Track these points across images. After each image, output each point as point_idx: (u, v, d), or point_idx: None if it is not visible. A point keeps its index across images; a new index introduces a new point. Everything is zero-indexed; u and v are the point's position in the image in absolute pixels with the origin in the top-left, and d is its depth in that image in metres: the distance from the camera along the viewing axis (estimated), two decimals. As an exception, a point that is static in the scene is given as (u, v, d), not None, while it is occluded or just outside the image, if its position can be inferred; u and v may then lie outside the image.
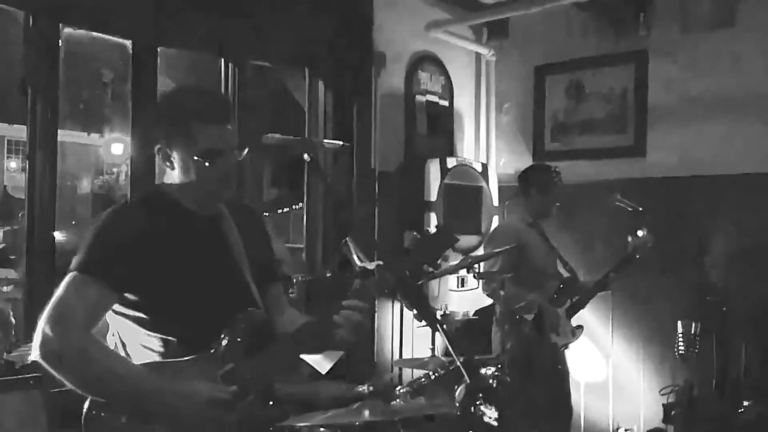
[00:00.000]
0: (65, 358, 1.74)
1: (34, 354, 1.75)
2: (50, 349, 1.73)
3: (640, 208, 4.04)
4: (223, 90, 4.24)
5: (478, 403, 2.52)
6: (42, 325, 1.75)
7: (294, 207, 6.21)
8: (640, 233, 3.91)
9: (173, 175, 1.95)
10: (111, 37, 3.95)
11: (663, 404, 4.26)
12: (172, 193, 1.97)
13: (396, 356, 4.48)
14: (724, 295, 3.98)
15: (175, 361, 1.84)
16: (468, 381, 1.61)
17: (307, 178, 4.58)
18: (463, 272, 4.88)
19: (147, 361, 1.87)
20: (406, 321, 4.50)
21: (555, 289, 3.99)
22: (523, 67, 5.46)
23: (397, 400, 2.82)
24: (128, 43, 3.86)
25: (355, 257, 1.78)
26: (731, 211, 4.27)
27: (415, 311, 1.69)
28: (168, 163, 1.93)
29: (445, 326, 1.62)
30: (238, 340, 1.86)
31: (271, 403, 1.88)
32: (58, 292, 1.81)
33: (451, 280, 4.88)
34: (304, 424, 2.50)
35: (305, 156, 1.79)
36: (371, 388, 2.59)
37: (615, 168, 4.97)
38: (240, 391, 1.82)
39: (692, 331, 4.05)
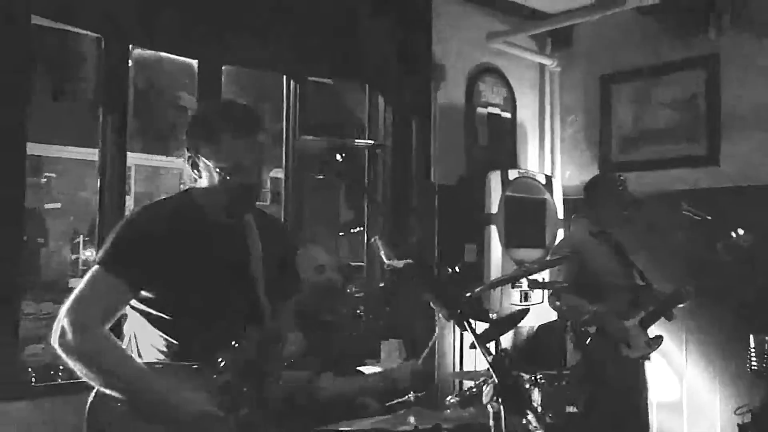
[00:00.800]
0: (77, 351, 1.86)
1: (53, 342, 1.88)
2: (66, 341, 1.86)
3: (709, 217, 3.87)
4: (285, 106, 4.36)
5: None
6: (62, 317, 1.88)
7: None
8: (734, 234, 3.69)
9: (200, 181, 2.04)
10: (179, 58, 4.14)
11: (738, 424, 4.04)
12: (198, 199, 2.05)
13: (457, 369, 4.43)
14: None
15: (180, 365, 1.94)
16: (496, 381, 1.56)
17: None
18: (525, 286, 4.85)
19: (154, 360, 1.98)
20: (467, 335, 4.44)
21: (626, 301, 3.86)
22: (588, 77, 5.35)
23: (447, 410, 2.80)
24: (194, 62, 4.02)
25: (383, 256, 1.78)
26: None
27: (440, 308, 1.68)
28: (196, 171, 2.02)
29: (472, 324, 1.58)
30: (242, 355, 1.94)
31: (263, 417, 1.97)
32: (80, 285, 1.93)
33: (514, 294, 4.79)
34: (349, 429, 2.51)
35: (337, 156, 1.81)
36: (418, 395, 2.57)
37: (686, 178, 4.79)
38: (233, 404, 1.91)
39: (766, 346, 3.82)
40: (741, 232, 3.67)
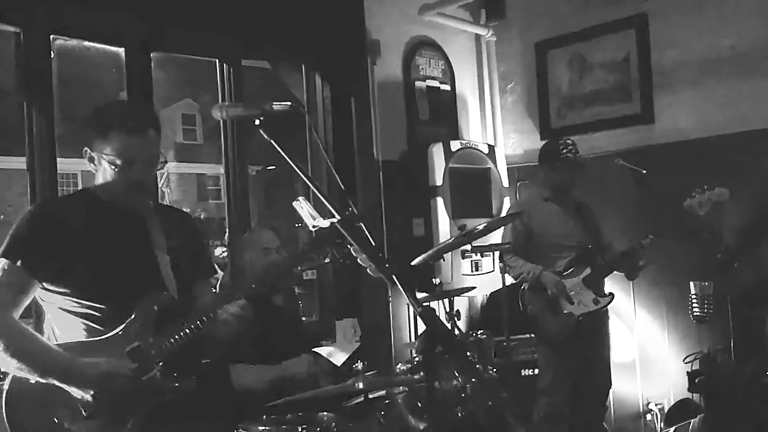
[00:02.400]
0: None
1: None
2: None
3: (644, 171, 3.95)
4: (219, 93, 4.30)
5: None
6: None
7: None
8: (705, 190, 3.75)
9: (98, 177, 2.15)
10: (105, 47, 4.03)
11: (687, 372, 4.14)
12: (95, 191, 2.17)
13: (413, 339, 4.46)
14: (735, 254, 3.85)
15: (90, 341, 2.06)
16: (426, 328, 1.56)
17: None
18: (476, 256, 4.89)
19: (70, 341, 2.07)
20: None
21: (571, 260, 3.93)
22: (524, 45, 5.39)
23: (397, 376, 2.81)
24: (121, 50, 3.92)
25: (308, 217, 1.77)
26: (742, 170, 4.14)
27: (369, 263, 1.67)
28: (92, 165, 2.14)
29: (399, 278, 1.58)
30: (144, 319, 2.06)
31: (175, 375, 2.06)
32: None
33: (465, 265, 4.82)
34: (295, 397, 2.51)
35: (255, 121, 1.79)
36: (365, 363, 2.58)
37: (624, 138, 4.87)
38: (142, 366, 2.01)
39: (707, 292, 3.94)
40: (714, 188, 3.74)
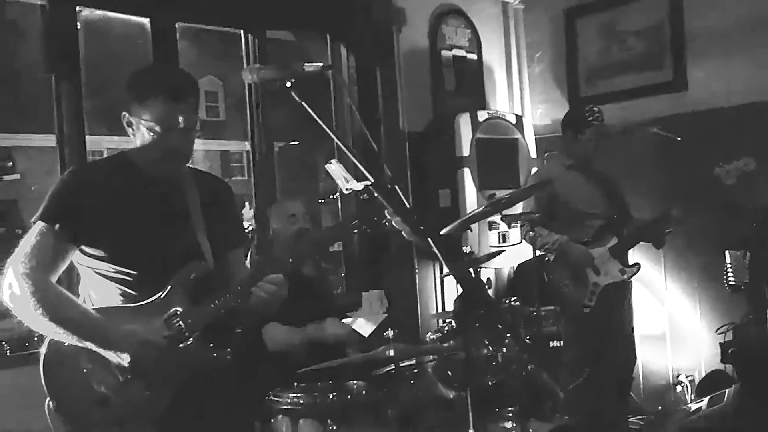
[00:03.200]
0: (24, 299, 1.95)
1: (2, 297, 1.98)
2: (12, 293, 1.97)
3: (678, 138, 3.87)
4: (244, 64, 4.28)
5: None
6: (7, 271, 1.99)
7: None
8: (736, 162, 3.68)
9: (135, 141, 2.12)
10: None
11: (720, 343, 4.08)
12: (132, 157, 2.15)
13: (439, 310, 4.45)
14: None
15: (126, 307, 2.06)
16: (464, 290, 1.52)
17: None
18: (504, 228, 4.84)
19: (106, 305, 2.07)
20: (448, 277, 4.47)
21: (597, 229, 3.88)
22: (552, 12, 5.28)
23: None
24: (146, 21, 3.90)
25: (342, 180, 1.74)
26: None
27: (404, 226, 1.64)
28: (130, 130, 2.11)
29: (434, 241, 1.55)
30: (181, 288, 2.05)
31: (211, 345, 2.06)
32: (24, 239, 2.02)
33: (492, 237, 4.78)
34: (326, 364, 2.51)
35: (287, 83, 1.76)
36: (396, 332, 2.56)
37: (655, 106, 4.77)
38: (177, 335, 2.01)
39: (743, 261, 3.87)
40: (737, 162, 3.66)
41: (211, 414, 2.14)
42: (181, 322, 2.02)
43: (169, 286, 2.06)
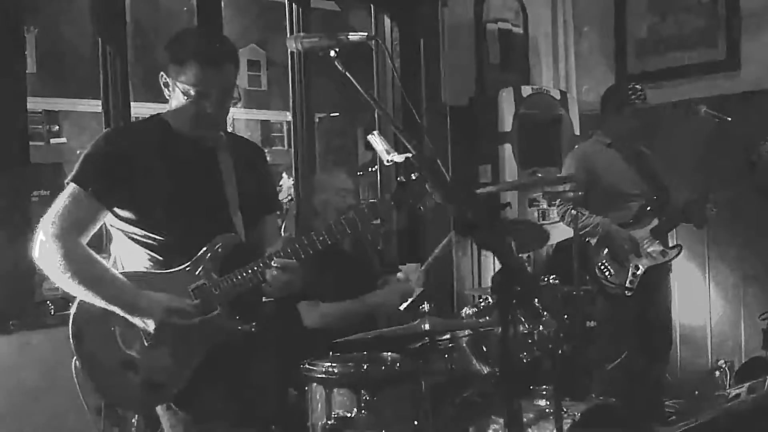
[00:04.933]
0: (54, 259, 1.98)
1: (33, 255, 2.02)
2: (43, 253, 2.00)
3: (729, 118, 3.75)
4: (288, 34, 4.27)
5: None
6: (38, 231, 2.02)
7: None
8: None
9: (172, 102, 2.12)
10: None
11: (762, 329, 3.99)
12: (167, 119, 2.14)
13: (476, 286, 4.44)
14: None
15: (155, 273, 2.08)
16: (504, 265, 1.50)
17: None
18: (544, 205, 4.78)
19: (131, 271, 2.10)
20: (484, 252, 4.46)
21: (637, 210, 3.80)
22: (602, -15, 5.14)
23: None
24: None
25: (383, 151, 1.73)
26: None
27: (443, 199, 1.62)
28: (167, 91, 2.11)
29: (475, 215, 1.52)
30: (210, 259, 2.06)
31: (237, 318, 2.07)
32: (56, 200, 2.05)
33: (532, 214, 4.73)
34: (360, 335, 2.52)
35: (331, 52, 1.74)
36: (431, 305, 2.56)
37: (706, 85, 4.63)
38: (204, 305, 2.02)
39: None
40: None
41: (241, 382, 2.16)
42: (208, 292, 2.04)
43: (198, 256, 2.06)
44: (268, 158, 2.41)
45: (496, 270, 1.52)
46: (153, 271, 2.09)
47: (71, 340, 2.07)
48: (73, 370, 2.08)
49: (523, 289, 1.52)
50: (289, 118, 4.42)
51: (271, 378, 2.34)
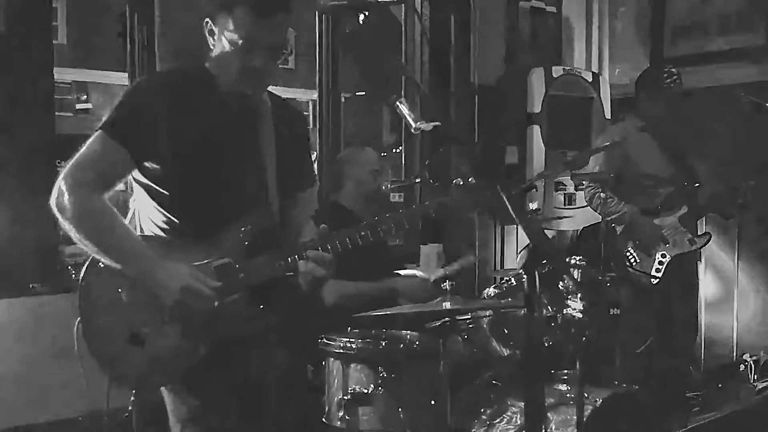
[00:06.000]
0: (71, 211, 1.80)
1: (51, 202, 1.83)
2: (61, 202, 1.81)
3: (768, 105, 3.64)
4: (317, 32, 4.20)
5: (562, 289, 2.38)
6: (60, 177, 1.84)
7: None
8: None
9: (216, 51, 1.92)
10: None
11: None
12: (211, 70, 1.95)
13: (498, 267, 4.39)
14: None
15: (178, 242, 1.89)
16: (532, 242, 1.44)
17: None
18: (571, 189, 4.69)
19: (150, 234, 1.93)
20: (508, 237, 4.40)
21: (667, 196, 3.71)
22: (641, -36, 5.01)
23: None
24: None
25: (409, 118, 1.67)
26: None
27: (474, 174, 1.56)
28: (211, 39, 1.93)
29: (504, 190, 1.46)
30: (241, 236, 1.88)
31: (261, 307, 1.90)
32: (82, 149, 1.87)
33: (558, 197, 4.65)
34: (382, 311, 2.48)
35: (360, 16, 1.67)
36: (453, 284, 2.50)
37: (744, 71, 4.48)
38: (225, 286, 1.84)
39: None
40: None
41: (258, 357, 2.01)
42: (232, 273, 1.86)
43: (228, 231, 1.89)
44: (308, 127, 2.23)
45: (525, 249, 1.46)
46: (177, 239, 1.90)
47: (77, 301, 1.90)
48: (75, 335, 1.91)
49: (552, 269, 1.46)
50: (315, 96, 4.36)
51: (286, 367, 2.22)
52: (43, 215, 1.90)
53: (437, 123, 1.55)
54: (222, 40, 1.88)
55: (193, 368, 1.88)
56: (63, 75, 3.78)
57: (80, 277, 1.91)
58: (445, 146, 3.29)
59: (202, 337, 1.87)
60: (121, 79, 3.70)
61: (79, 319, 1.90)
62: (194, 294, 1.81)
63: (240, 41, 1.84)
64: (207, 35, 1.93)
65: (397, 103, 1.67)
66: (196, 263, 1.86)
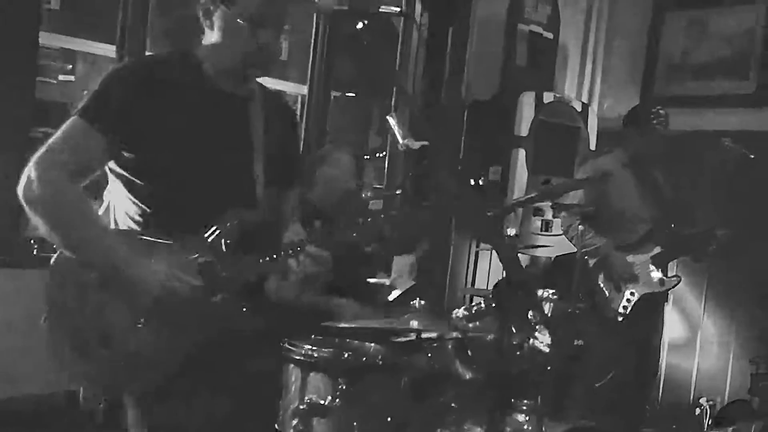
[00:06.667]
0: (40, 201, 1.67)
1: (18, 191, 1.69)
2: (29, 191, 1.68)
3: (752, 156, 3.66)
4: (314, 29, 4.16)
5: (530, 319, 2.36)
6: (29, 166, 1.69)
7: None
8: None
9: (209, 37, 1.81)
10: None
11: (751, 374, 3.92)
12: (200, 57, 1.83)
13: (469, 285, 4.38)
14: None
15: (152, 240, 1.75)
16: (508, 272, 1.42)
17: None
18: (549, 215, 4.69)
19: (126, 229, 1.80)
20: (482, 253, 4.40)
21: (642, 235, 3.72)
22: (641, 2, 5.03)
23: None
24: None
25: (398, 134, 1.63)
26: None
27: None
28: (206, 21, 1.80)
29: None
30: (224, 232, 1.76)
31: (244, 309, 1.78)
32: (54, 135, 1.73)
33: (535, 223, 4.65)
34: (349, 326, 2.44)
35: (358, 24, 1.62)
36: (422, 303, 2.47)
37: (732, 118, 4.53)
38: (210, 287, 1.73)
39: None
40: None
41: (231, 380, 1.84)
42: (215, 272, 1.74)
43: (210, 227, 1.76)
44: (298, 121, 2.11)
45: (500, 278, 1.44)
46: (155, 235, 1.75)
47: (45, 291, 1.75)
48: (42, 327, 1.75)
49: (523, 297, 1.44)
50: (305, 92, 4.32)
51: (266, 379, 2.06)
52: (10, 183, 1.74)
53: (425, 143, 1.51)
54: (221, 21, 1.76)
55: (167, 374, 1.74)
56: (51, 41, 3.69)
57: (50, 268, 1.76)
58: (430, 161, 3.26)
59: (180, 341, 1.73)
60: (109, 51, 3.60)
61: (44, 315, 1.75)
62: (173, 294, 1.69)
63: (250, 16, 1.73)
64: (201, 17, 1.80)
65: (388, 116, 1.63)
66: (178, 261, 1.73)
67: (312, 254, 1.75)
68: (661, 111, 3.76)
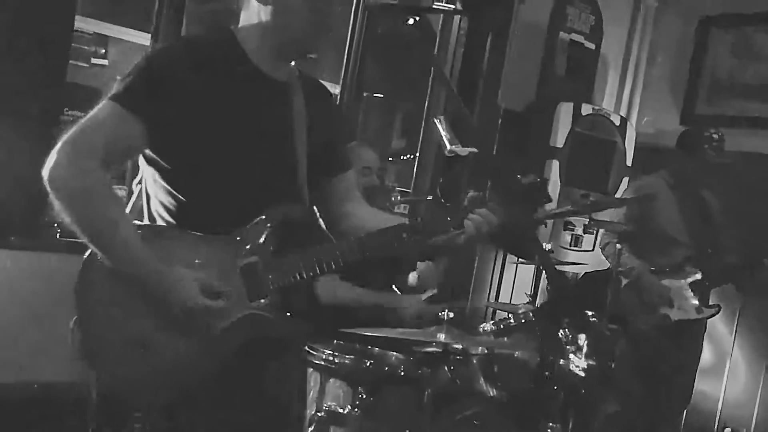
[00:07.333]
0: (66, 188, 1.54)
1: (43, 173, 1.55)
2: (55, 174, 1.54)
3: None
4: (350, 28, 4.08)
5: (567, 347, 2.26)
6: (57, 147, 1.56)
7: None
8: None
9: (256, 14, 1.68)
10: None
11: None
12: (241, 38, 1.71)
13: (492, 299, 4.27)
14: None
15: (189, 234, 1.63)
16: (555, 292, 1.32)
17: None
18: (579, 230, 4.57)
19: (159, 222, 1.68)
20: (508, 265, 4.29)
21: (681, 260, 3.59)
22: (688, 18, 4.88)
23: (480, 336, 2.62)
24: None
25: (445, 140, 1.54)
26: None
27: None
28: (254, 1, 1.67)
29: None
30: (269, 230, 1.62)
31: (288, 314, 1.65)
32: (86, 116, 1.60)
33: (565, 236, 4.53)
34: (376, 334, 2.36)
35: (410, 20, 1.53)
36: (451, 315, 2.37)
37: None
38: (251, 289, 1.61)
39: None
40: None
41: (275, 371, 1.75)
42: (259, 274, 1.61)
43: (254, 224, 1.64)
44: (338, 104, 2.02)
45: (547, 297, 1.34)
46: (194, 230, 1.63)
47: (74, 293, 1.62)
48: (70, 335, 1.62)
49: (575, 322, 1.34)
50: (337, 90, 4.24)
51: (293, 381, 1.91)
52: (37, 164, 1.60)
53: (474, 149, 1.42)
54: None
55: (201, 384, 1.63)
56: (86, 25, 3.67)
57: (80, 266, 1.62)
58: (461, 167, 3.17)
59: (217, 350, 1.62)
60: (142, 38, 3.56)
61: (75, 318, 1.63)
62: (203, 312, 1.58)
63: None
64: None
65: (435, 120, 1.54)
66: (219, 265, 1.62)
67: (484, 215, 1.68)
68: (714, 135, 3.61)
